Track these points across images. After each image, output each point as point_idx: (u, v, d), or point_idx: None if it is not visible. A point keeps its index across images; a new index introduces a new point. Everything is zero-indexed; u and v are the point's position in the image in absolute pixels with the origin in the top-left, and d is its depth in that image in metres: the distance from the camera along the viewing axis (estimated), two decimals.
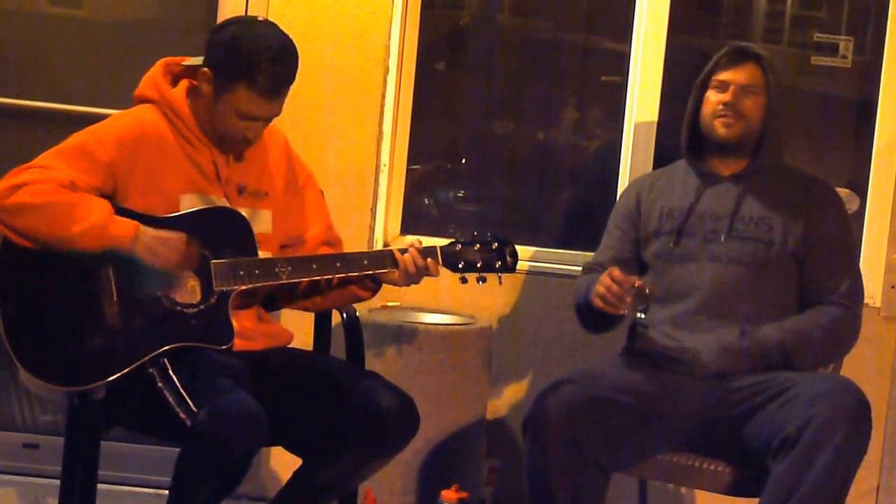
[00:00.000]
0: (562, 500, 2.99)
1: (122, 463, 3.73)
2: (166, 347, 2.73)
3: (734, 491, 3.09)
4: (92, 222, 2.68)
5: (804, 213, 3.20)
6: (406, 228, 4.00)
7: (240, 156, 2.94)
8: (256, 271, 2.83)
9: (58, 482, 2.94)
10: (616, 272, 3.05)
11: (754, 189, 3.23)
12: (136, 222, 2.72)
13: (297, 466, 2.94)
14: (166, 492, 2.72)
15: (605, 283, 3.03)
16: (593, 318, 3.21)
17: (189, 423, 2.62)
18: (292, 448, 2.95)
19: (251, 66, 2.79)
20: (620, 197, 3.46)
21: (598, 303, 3.05)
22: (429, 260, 2.94)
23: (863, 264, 3.75)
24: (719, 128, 3.21)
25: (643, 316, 3.06)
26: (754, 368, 3.10)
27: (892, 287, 3.88)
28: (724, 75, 3.23)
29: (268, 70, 2.80)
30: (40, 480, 3.81)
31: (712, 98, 3.23)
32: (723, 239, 3.18)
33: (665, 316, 3.20)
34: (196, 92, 2.88)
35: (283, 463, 2.93)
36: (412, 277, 2.94)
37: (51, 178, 2.69)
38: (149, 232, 2.73)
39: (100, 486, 2.87)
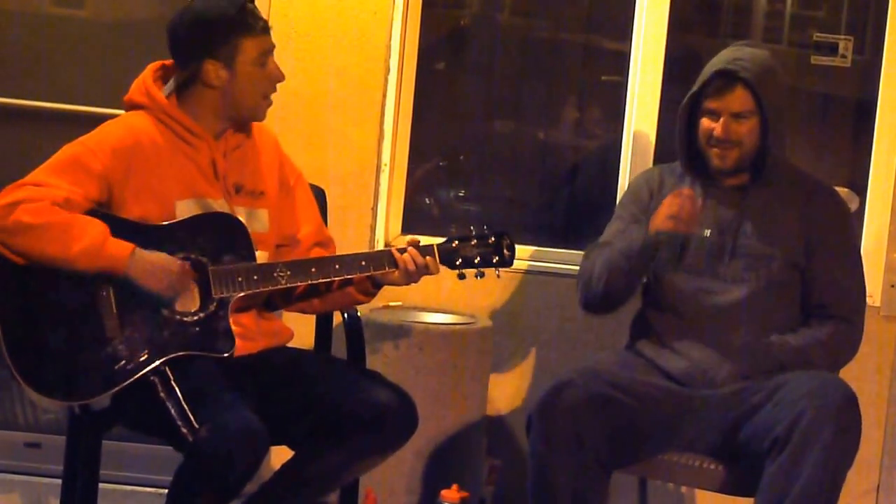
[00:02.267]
0: (564, 496, 3.00)
1: (123, 462, 3.74)
2: (167, 357, 2.73)
3: (734, 490, 3.10)
4: (89, 242, 2.68)
5: (806, 223, 3.18)
6: (407, 228, 4.00)
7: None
8: (255, 277, 2.83)
9: (59, 481, 2.95)
10: (686, 190, 3.08)
11: (757, 200, 3.20)
12: (131, 244, 2.72)
13: None
14: (166, 491, 2.72)
15: (677, 203, 3.05)
16: (629, 274, 3.15)
17: (190, 439, 2.62)
18: (292, 444, 2.94)
19: (237, 18, 2.83)
20: (630, 185, 3.43)
21: (669, 224, 3.05)
22: (428, 258, 2.93)
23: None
24: (714, 159, 3.16)
25: (709, 232, 3.10)
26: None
27: (892, 286, 3.88)
28: (713, 104, 3.13)
29: (246, 9, 2.85)
30: (42, 480, 3.82)
31: (705, 124, 3.15)
32: (727, 259, 3.17)
33: (666, 328, 3.20)
34: (198, 91, 2.87)
35: (281, 462, 2.94)
36: (412, 276, 2.93)
37: (46, 195, 2.68)
38: (144, 254, 2.73)
39: (101, 485, 2.89)
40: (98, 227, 2.70)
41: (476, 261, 2.98)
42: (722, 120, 3.12)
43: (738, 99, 3.11)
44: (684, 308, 3.18)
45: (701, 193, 3.21)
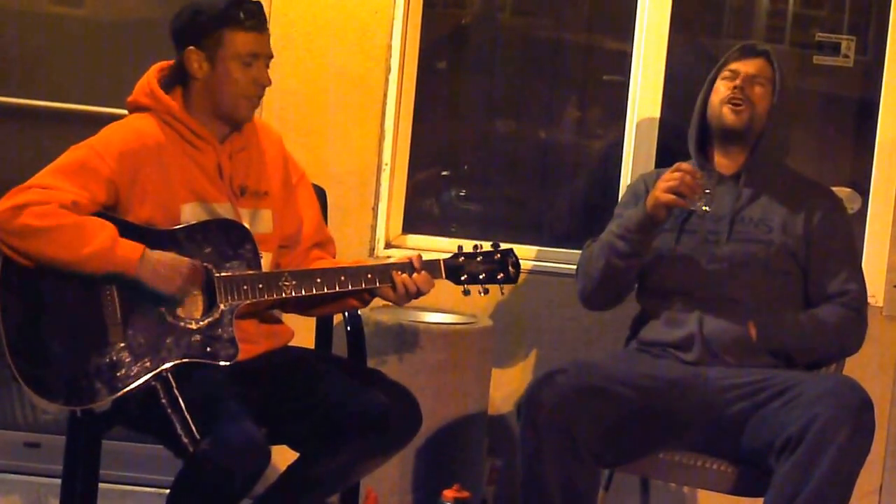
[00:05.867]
0: (553, 485, 2.99)
1: (122, 462, 3.73)
2: (169, 364, 2.73)
3: (736, 490, 3.09)
4: (100, 244, 2.66)
5: (804, 214, 3.22)
6: (407, 228, 3.99)
7: (244, 136, 2.94)
8: (260, 285, 2.82)
9: (59, 481, 2.94)
10: (685, 164, 3.11)
11: (755, 189, 3.25)
12: (141, 245, 2.71)
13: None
14: (166, 491, 2.72)
15: (675, 177, 3.06)
16: (628, 256, 3.15)
17: (191, 450, 2.62)
18: (295, 445, 2.93)
19: (226, 10, 2.81)
20: (628, 187, 3.47)
21: (667, 198, 3.06)
22: (416, 276, 2.91)
23: (865, 264, 3.74)
24: (728, 114, 3.23)
25: (707, 209, 3.11)
26: (761, 349, 3.13)
27: (895, 286, 3.88)
28: (733, 66, 3.28)
29: (241, 5, 2.82)
30: (42, 479, 3.81)
31: (722, 87, 3.27)
32: (724, 241, 3.19)
33: (666, 313, 3.21)
34: (190, 85, 2.86)
35: (286, 462, 2.93)
36: (409, 297, 2.93)
37: (53, 198, 2.67)
38: (154, 255, 2.72)
39: (101, 485, 2.88)
40: (107, 230, 2.69)
41: (481, 277, 2.98)
42: (740, 77, 3.25)
43: (758, 65, 3.27)
44: (684, 291, 3.20)
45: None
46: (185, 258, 2.75)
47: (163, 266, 2.72)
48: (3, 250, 2.68)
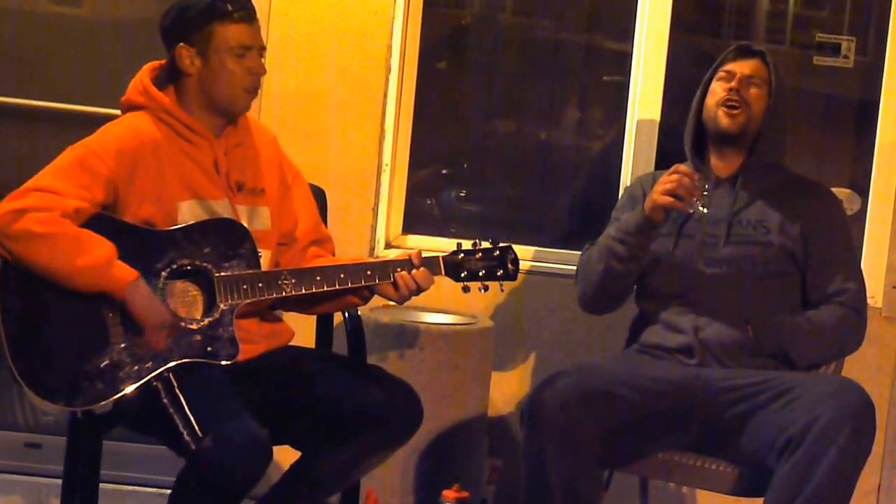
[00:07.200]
0: (556, 488, 2.99)
1: (123, 463, 3.73)
2: (170, 364, 2.73)
3: (736, 490, 3.09)
4: (95, 259, 2.66)
5: (801, 214, 3.22)
6: (407, 228, 3.99)
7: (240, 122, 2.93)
8: (260, 284, 2.82)
9: (60, 482, 2.94)
10: (683, 167, 3.10)
11: (752, 191, 3.25)
12: (136, 272, 2.70)
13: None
14: (167, 491, 2.72)
15: (672, 180, 3.06)
16: (627, 259, 3.15)
17: (193, 448, 2.61)
18: (297, 444, 2.94)
19: (212, 4, 2.81)
20: (625, 190, 3.47)
21: (665, 200, 3.05)
22: (415, 272, 2.91)
23: (864, 264, 3.76)
24: (723, 118, 3.22)
25: (706, 210, 3.10)
26: (760, 353, 3.13)
27: (894, 287, 3.88)
28: (729, 66, 3.26)
29: None
30: (42, 480, 3.81)
31: (717, 88, 3.25)
32: (722, 244, 3.19)
33: (664, 315, 3.21)
34: (183, 82, 2.86)
35: (287, 462, 2.93)
36: (410, 294, 2.93)
37: (55, 205, 2.66)
38: (144, 290, 2.71)
39: (101, 485, 2.88)
40: (106, 247, 2.68)
41: (481, 274, 2.98)
42: (736, 78, 3.24)
43: (754, 65, 3.26)
44: (683, 294, 3.20)
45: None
46: (169, 315, 2.73)
47: (149, 304, 2.71)
48: (1, 253, 2.68)
